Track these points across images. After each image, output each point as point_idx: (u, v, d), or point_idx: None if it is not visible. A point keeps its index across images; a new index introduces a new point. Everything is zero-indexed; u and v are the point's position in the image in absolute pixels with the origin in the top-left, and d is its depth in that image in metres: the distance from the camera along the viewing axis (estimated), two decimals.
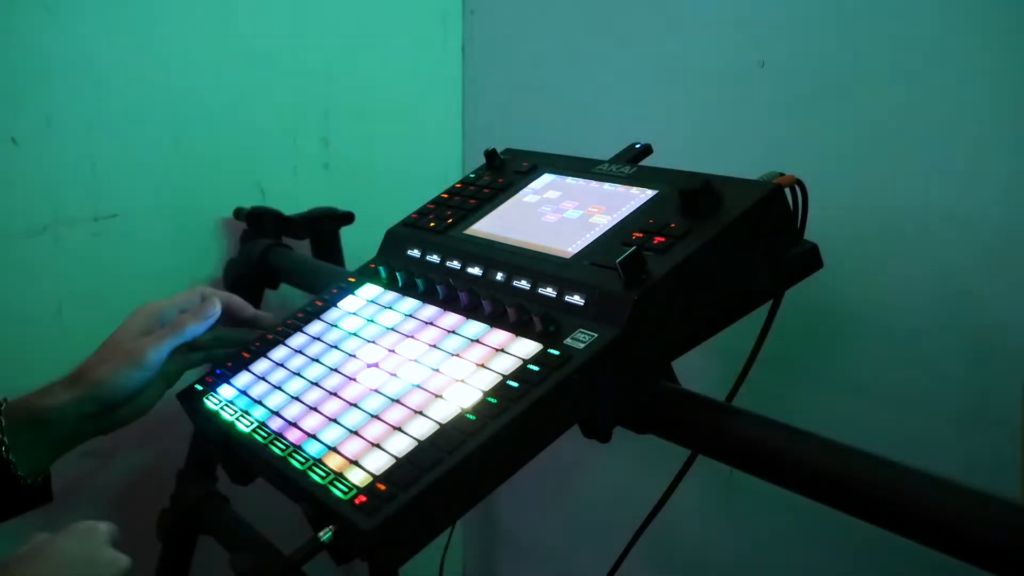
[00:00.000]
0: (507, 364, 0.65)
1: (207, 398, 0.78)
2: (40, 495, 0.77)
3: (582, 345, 0.64)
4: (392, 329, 0.76)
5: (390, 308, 0.79)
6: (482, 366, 0.66)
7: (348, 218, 1.24)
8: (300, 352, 0.78)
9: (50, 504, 0.78)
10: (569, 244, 0.74)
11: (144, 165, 1.17)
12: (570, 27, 1.24)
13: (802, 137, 0.98)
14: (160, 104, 1.16)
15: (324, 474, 0.62)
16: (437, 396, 0.66)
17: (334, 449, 0.65)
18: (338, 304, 0.83)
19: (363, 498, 0.59)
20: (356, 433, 0.65)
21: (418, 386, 0.68)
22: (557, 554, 1.43)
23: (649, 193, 0.75)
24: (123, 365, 0.76)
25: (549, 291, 0.70)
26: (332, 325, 0.80)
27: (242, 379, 0.78)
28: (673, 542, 1.17)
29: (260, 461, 0.69)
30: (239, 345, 0.83)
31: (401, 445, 0.62)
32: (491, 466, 0.61)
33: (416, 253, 0.84)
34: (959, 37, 0.85)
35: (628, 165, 0.81)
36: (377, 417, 0.66)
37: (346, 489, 0.60)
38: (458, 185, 0.91)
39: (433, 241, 0.84)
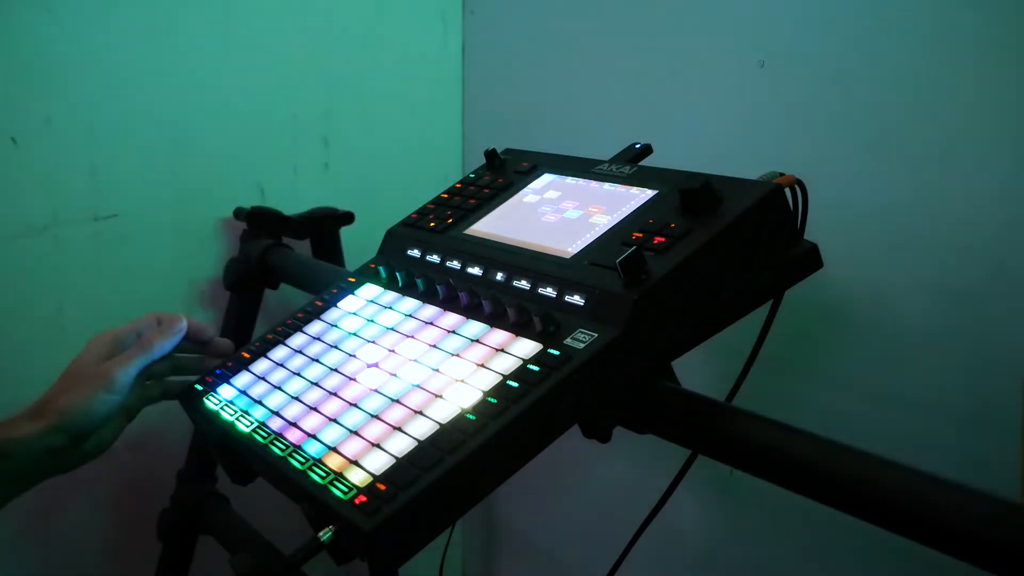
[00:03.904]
0: (507, 364, 0.65)
1: (207, 398, 0.78)
2: None
3: (582, 345, 0.64)
4: (392, 329, 0.76)
5: (390, 308, 0.79)
6: (482, 366, 0.66)
7: (348, 218, 1.24)
8: (300, 352, 0.78)
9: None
10: (569, 244, 0.74)
11: (144, 165, 1.17)
12: (570, 27, 1.24)
13: (802, 137, 0.98)
14: (160, 104, 1.17)
15: (324, 474, 0.62)
16: (437, 396, 0.66)
17: (334, 449, 0.65)
18: (338, 304, 0.83)
19: (363, 498, 0.59)
20: (356, 433, 0.65)
21: (418, 386, 0.68)
22: (557, 554, 1.43)
23: (649, 193, 0.75)
24: (91, 389, 0.72)
25: (549, 291, 0.70)
26: (332, 325, 0.80)
27: (242, 379, 0.78)
28: (673, 542, 1.17)
29: (260, 461, 0.69)
30: (196, 374, 0.82)
31: (401, 445, 0.62)
32: (491, 466, 0.61)
33: (416, 253, 0.84)
34: (960, 36, 0.85)
35: (628, 165, 0.81)
36: (377, 417, 0.66)
37: (346, 489, 0.60)
38: (458, 185, 0.91)
39: (433, 241, 0.84)
